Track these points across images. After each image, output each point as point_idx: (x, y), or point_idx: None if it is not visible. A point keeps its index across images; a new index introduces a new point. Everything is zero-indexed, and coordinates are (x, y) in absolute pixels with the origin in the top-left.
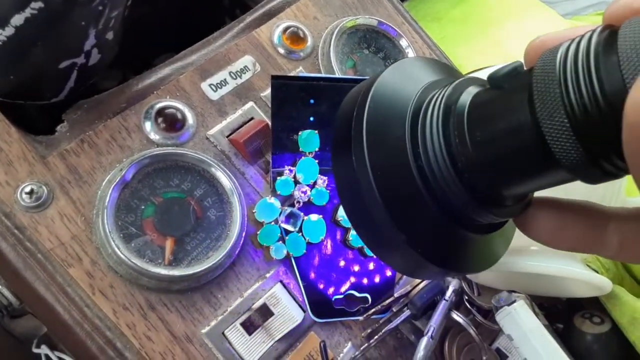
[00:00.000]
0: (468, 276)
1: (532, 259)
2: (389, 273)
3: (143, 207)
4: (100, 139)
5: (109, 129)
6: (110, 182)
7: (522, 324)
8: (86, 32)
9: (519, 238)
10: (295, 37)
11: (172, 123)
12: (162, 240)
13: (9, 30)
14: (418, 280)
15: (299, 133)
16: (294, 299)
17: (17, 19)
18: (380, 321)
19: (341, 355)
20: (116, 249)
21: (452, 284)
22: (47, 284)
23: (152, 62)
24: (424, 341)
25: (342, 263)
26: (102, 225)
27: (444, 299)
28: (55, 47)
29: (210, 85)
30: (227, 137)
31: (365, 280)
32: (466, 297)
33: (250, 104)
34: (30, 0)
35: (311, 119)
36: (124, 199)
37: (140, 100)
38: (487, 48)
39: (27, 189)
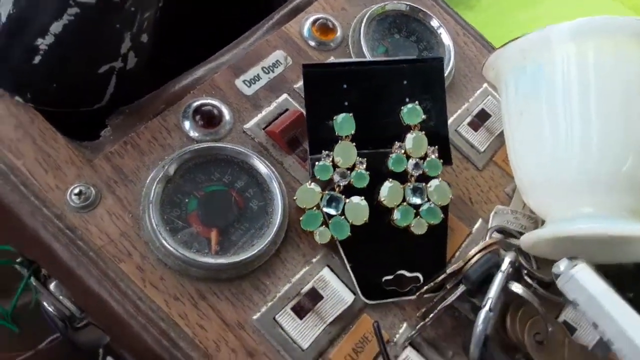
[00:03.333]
0: (524, 248)
1: (591, 220)
2: (438, 250)
3: (187, 200)
4: (142, 139)
5: (150, 130)
6: (154, 179)
7: (587, 286)
8: (122, 36)
9: (568, 199)
10: (325, 28)
11: (209, 120)
12: (208, 231)
13: (49, 39)
14: (471, 254)
15: (335, 118)
16: (343, 282)
17: (56, 27)
18: (435, 299)
19: (397, 336)
20: (164, 242)
21: (508, 256)
22: (100, 280)
23: (185, 63)
24: (482, 314)
25: (388, 243)
26: (148, 220)
27: (500, 271)
28: (93, 51)
29: (244, 81)
30: (264, 129)
31: (414, 259)
32: (525, 271)
33: (284, 96)
34: (67, 6)
35: (345, 103)
36: (168, 194)
37: (177, 101)
38: (519, 30)
39: (76, 191)
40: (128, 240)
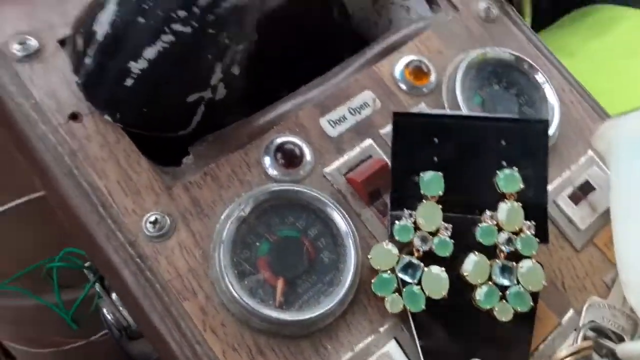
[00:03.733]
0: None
1: None
2: (522, 342)
3: (258, 243)
4: (222, 172)
5: (230, 163)
6: (229, 217)
7: None
8: (213, 66)
9: None
10: (418, 71)
11: (290, 159)
12: (274, 279)
13: (142, 63)
14: (559, 352)
15: (421, 174)
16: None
17: (150, 52)
18: None
19: None
20: (230, 286)
21: None
22: (162, 316)
23: (274, 96)
24: None
25: (466, 325)
26: (218, 260)
27: None
28: (184, 80)
29: (329, 121)
30: (345, 175)
31: (493, 348)
32: None
33: (369, 141)
34: (161, 32)
35: (435, 159)
36: (240, 234)
37: (260, 135)
38: (631, 86)
39: (152, 219)
40: (195, 278)
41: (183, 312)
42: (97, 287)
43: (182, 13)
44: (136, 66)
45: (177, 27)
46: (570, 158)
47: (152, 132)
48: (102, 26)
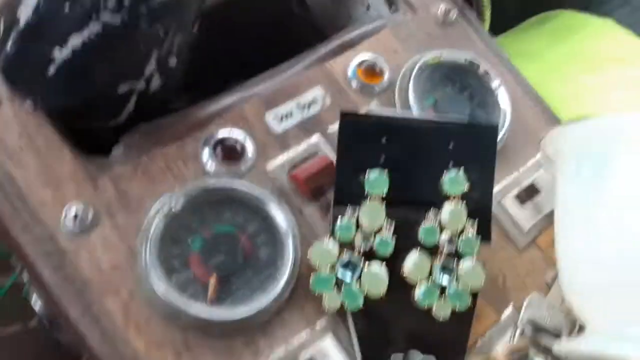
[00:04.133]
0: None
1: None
2: (460, 337)
3: (190, 239)
4: (155, 165)
5: (165, 156)
6: (158, 212)
7: None
8: (147, 57)
9: (632, 311)
10: (371, 71)
11: (230, 154)
12: (207, 276)
13: (66, 52)
14: (497, 357)
15: (367, 172)
16: (346, 355)
17: (75, 40)
18: None
19: None
20: (156, 284)
21: None
22: (82, 313)
23: (223, 86)
24: None
25: (404, 320)
26: (144, 256)
27: None
28: (113, 71)
29: (275, 116)
30: (288, 172)
31: (431, 341)
32: None
33: (316, 138)
34: (88, 21)
35: (382, 158)
36: (170, 230)
37: (200, 128)
38: (584, 94)
39: (73, 211)
40: (120, 274)
41: (104, 310)
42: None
43: (111, 3)
44: (60, 54)
45: (106, 16)
46: (519, 160)
47: (78, 121)
48: (26, 11)
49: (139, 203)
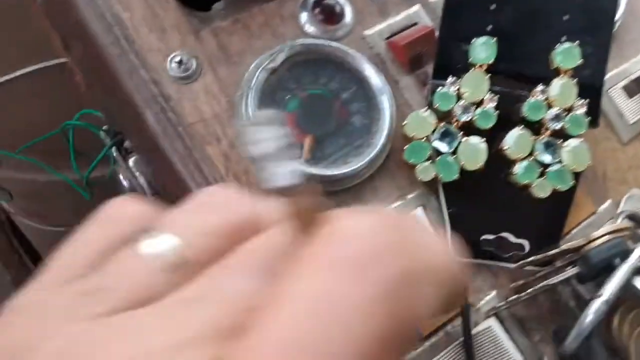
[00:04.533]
0: None
1: None
2: (557, 220)
3: (287, 98)
4: (255, 21)
5: (264, 13)
6: (259, 66)
7: None
8: None
9: None
10: None
11: (329, 16)
12: (302, 137)
13: None
14: (596, 235)
15: (472, 41)
16: (436, 228)
17: None
18: (536, 274)
19: (482, 302)
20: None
21: (639, 248)
22: (183, 158)
23: None
24: (596, 303)
25: (499, 199)
26: (244, 108)
27: (626, 262)
28: None
29: None
30: (386, 39)
31: (525, 224)
32: None
33: (417, 7)
34: None
35: (489, 27)
36: (269, 85)
37: None
38: None
39: (177, 59)
40: (220, 124)
41: (205, 157)
42: (114, 151)
43: None
44: None
45: None
46: (630, 51)
47: None
48: None
49: (239, 57)
